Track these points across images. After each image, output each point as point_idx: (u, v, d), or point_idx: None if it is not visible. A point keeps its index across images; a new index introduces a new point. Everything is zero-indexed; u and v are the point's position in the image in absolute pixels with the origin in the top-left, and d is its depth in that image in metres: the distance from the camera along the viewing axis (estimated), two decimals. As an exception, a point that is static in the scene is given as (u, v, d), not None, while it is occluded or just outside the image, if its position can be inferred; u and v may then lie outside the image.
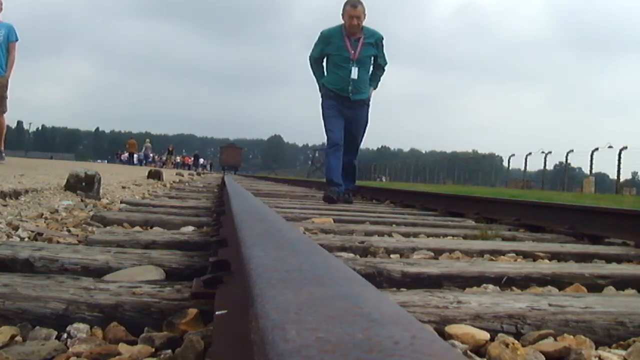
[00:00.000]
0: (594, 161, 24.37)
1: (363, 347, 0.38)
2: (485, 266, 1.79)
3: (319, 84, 5.84)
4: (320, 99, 5.78)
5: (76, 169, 4.82)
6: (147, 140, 47.16)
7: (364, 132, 5.88)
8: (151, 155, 45.21)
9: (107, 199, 4.70)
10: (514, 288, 1.62)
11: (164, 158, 48.76)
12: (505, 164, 34.88)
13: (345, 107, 5.62)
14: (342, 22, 5.61)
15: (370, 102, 5.84)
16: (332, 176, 5.62)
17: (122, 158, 49.22)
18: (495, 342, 1.02)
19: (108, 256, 1.57)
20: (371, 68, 5.79)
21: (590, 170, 24.73)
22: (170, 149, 49.83)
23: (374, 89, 5.89)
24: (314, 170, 55.19)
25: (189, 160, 58.57)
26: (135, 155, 41.57)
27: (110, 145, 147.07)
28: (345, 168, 5.72)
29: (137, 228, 2.66)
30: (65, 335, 1.01)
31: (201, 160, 68.20)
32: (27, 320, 1.04)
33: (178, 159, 60.22)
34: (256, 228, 1.13)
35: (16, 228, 2.35)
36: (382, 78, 5.92)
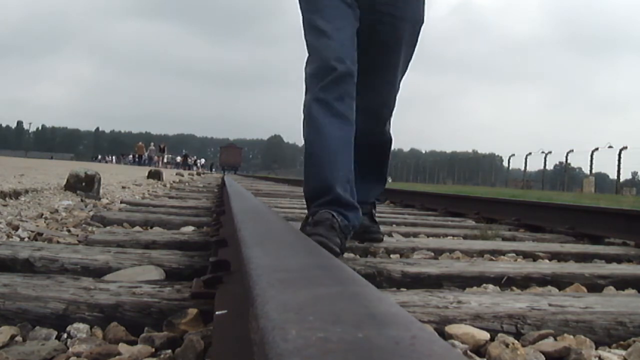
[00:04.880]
0: (594, 161, 24.38)
1: (363, 347, 0.38)
2: (485, 266, 1.79)
3: None
4: None
5: (76, 169, 4.82)
6: (152, 143, 49.40)
7: (407, 63, 2.26)
8: (155, 157, 46.29)
9: (107, 199, 4.70)
10: (514, 288, 1.62)
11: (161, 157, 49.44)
12: (505, 164, 34.89)
13: None
14: None
15: None
16: (332, 180, 1.91)
17: (129, 159, 50.77)
18: (495, 342, 1.02)
19: (108, 256, 1.57)
20: None
21: (590, 170, 24.73)
22: (162, 146, 50.06)
23: None
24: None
25: (190, 160, 58.66)
26: (142, 157, 43.42)
27: (110, 145, 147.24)
28: (361, 150, 2.08)
29: (137, 228, 2.66)
30: (65, 335, 1.01)
31: (202, 161, 68.15)
32: (27, 320, 1.04)
33: (178, 158, 60.15)
34: (256, 228, 1.13)
35: (16, 228, 2.35)
36: None
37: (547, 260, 2.20)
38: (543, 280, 1.68)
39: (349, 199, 1.93)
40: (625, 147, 22.43)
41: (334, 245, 1.72)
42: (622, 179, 23.56)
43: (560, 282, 1.67)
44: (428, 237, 2.85)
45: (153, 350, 0.95)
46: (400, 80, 2.25)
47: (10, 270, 1.41)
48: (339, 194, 1.90)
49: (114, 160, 70.25)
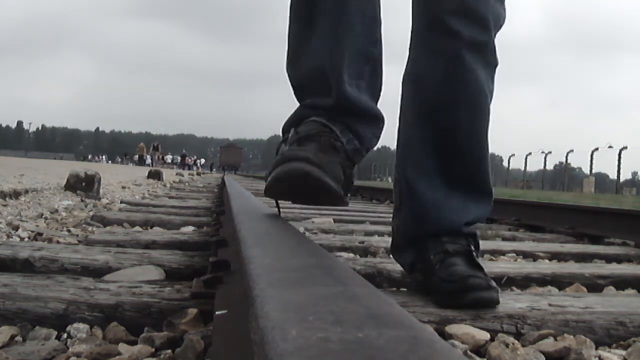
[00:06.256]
0: (594, 161, 24.40)
1: (364, 347, 0.38)
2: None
3: None
4: None
5: (76, 169, 4.83)
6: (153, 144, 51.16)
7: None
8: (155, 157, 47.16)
9: (107, 199, 4.70)
10: (514, 288, 1.62)
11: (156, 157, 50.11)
12: (505, 164, 34.90)
13: None
14: None
15: None
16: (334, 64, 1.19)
17: (134, 159, 51.89)
18: (495, 342, 1.02)
19: (108, 256, 1.57)
20: None
21: (590, 170, 24.76)
22: (156, 144, 50.62)
23: None
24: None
25: (190, 160, 58.76)
26: (143, 158, 44.32)
27: (110, 145, 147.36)
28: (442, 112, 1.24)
29: (137, 228, 2.66)
30: (65, 335, 1.01)
31: (202, 161, 68.19)
32: (27, 320, 1.04)
33: (179, 158, 60.23)
34: (256, 228, 1.13)
35: (16, 228, 2.35)
36: None
37: (547, 260, 2.20)
38: (543, 280, 1.68)
39: (364, 103, 1.23)
40: (625, 147, 22.46)
41: (329, 180, 1.07)
42: (622, 179, 23.62)
43: (560, 282, 1.67)
44: (428, 237, 2.84)
45: (153, 350, 0.95)
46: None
47: (10, 270, 1.41)
48: (347, 93, 1.20)
49: (104, 160, 70.36)
